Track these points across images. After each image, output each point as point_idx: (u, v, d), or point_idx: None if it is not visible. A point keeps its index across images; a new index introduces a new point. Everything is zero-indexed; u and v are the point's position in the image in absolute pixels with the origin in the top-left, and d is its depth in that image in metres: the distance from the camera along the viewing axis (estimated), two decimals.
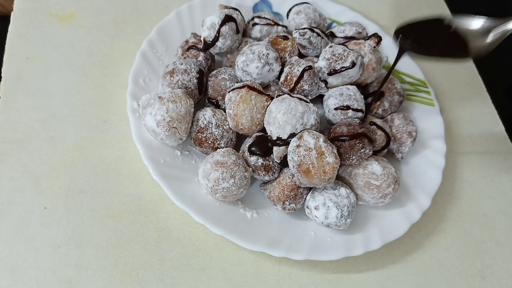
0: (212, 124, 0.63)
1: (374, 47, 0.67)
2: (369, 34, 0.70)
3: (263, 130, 0.64)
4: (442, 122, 0.77)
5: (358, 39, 0.69)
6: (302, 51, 0.71)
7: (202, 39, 0.70)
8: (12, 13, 0.77)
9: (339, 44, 0.68)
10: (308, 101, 0.63)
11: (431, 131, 0.76)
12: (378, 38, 0.67)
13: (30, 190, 0.61)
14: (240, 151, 0.65)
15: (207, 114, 0.64)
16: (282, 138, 0.60)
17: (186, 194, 0.60)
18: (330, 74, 0.65)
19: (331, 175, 0.57)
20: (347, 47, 0.66)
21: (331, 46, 0.66)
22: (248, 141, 0.64)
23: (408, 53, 0.63)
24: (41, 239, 0.58)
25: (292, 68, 0.66)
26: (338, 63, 0.64)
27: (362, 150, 0.61)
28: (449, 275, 0.67)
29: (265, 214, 0.64)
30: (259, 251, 0.58)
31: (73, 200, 0.62)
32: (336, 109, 0.65)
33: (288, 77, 0.66)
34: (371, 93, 0.72)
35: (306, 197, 0.63)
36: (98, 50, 0.77)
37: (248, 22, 0.76)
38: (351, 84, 0.67)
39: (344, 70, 0.64)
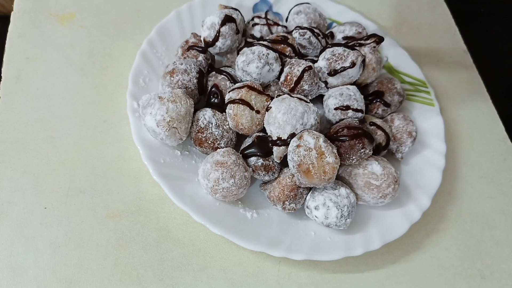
0: (212, 124, 0.63)
1: (374, 47, 0.67)
2: (369, 34, 0.70)
3: (263, 130, 0.64)
4: (442, 122, 0.77)
5: (358, 39, 0.69)
6: (302, 51, 0.71)
7: (202, 39, 0.70)
8: (12, 13, 0.77)
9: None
10: (308, 101, 0.63)
11: (431, 131, 0.76)
12: (378, 38, 0.67)
13: (30, 190, 0.61)
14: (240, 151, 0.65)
15: (207, 114, 0.64)
16: (282, 138, 0.60)
17: (186, 194, 0.60)
18: (330, 74, 0.65)
19: (331, 175, 0.57)
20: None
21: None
22: (248, 141, 0.64)
23: None
24: (41, 239, 0.58)
25: (292, 68, 0.66)
26: (338, 63, 0.64)
27: (362, 150, 0.61)
28: (449, 275, 0.67)
29: (265, 214, 0.64)
30: (259, 251, 0.58)
31: (73, 200, 0.62)
32: (336, 109, 0.65)
33: (288, 77, 0.66)
34: (371, 93, 0.72)
35: (306, 197, 0.63)
36: (98, 50, 0.77)
37: (248, 22, 0.76)
38: (351, 84, 0.67)
39: (344, 70, 0.64)
